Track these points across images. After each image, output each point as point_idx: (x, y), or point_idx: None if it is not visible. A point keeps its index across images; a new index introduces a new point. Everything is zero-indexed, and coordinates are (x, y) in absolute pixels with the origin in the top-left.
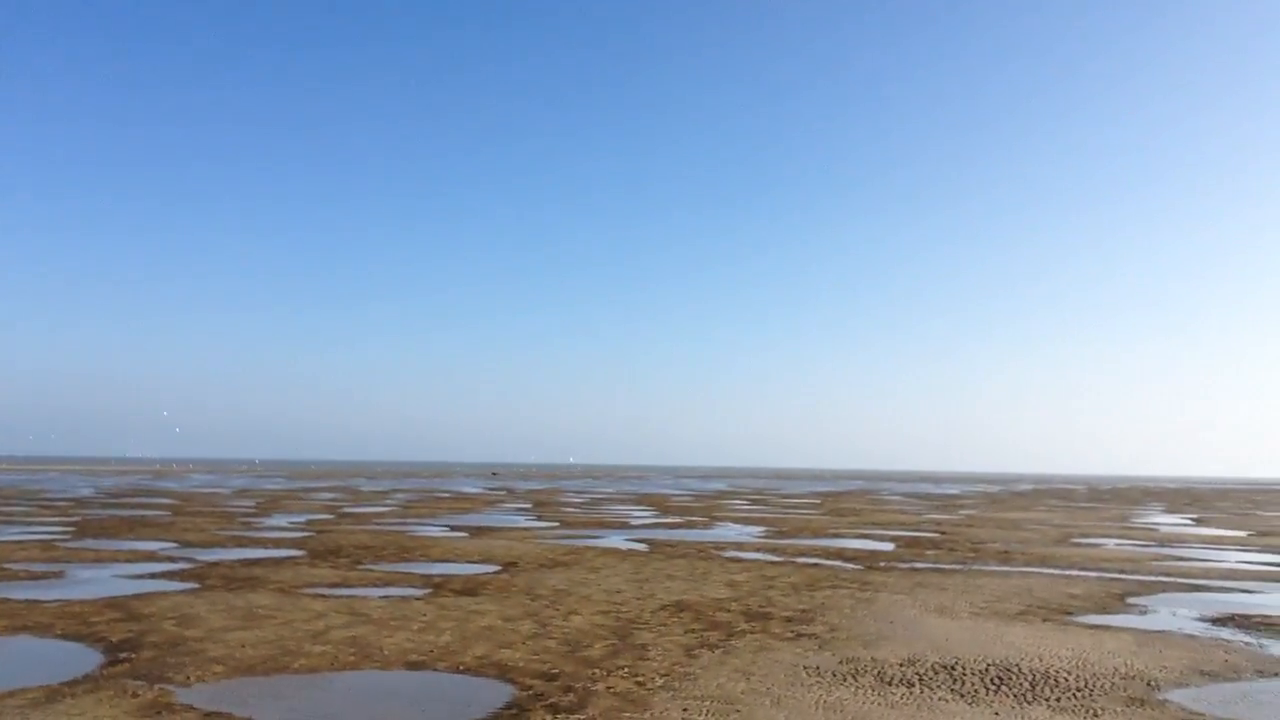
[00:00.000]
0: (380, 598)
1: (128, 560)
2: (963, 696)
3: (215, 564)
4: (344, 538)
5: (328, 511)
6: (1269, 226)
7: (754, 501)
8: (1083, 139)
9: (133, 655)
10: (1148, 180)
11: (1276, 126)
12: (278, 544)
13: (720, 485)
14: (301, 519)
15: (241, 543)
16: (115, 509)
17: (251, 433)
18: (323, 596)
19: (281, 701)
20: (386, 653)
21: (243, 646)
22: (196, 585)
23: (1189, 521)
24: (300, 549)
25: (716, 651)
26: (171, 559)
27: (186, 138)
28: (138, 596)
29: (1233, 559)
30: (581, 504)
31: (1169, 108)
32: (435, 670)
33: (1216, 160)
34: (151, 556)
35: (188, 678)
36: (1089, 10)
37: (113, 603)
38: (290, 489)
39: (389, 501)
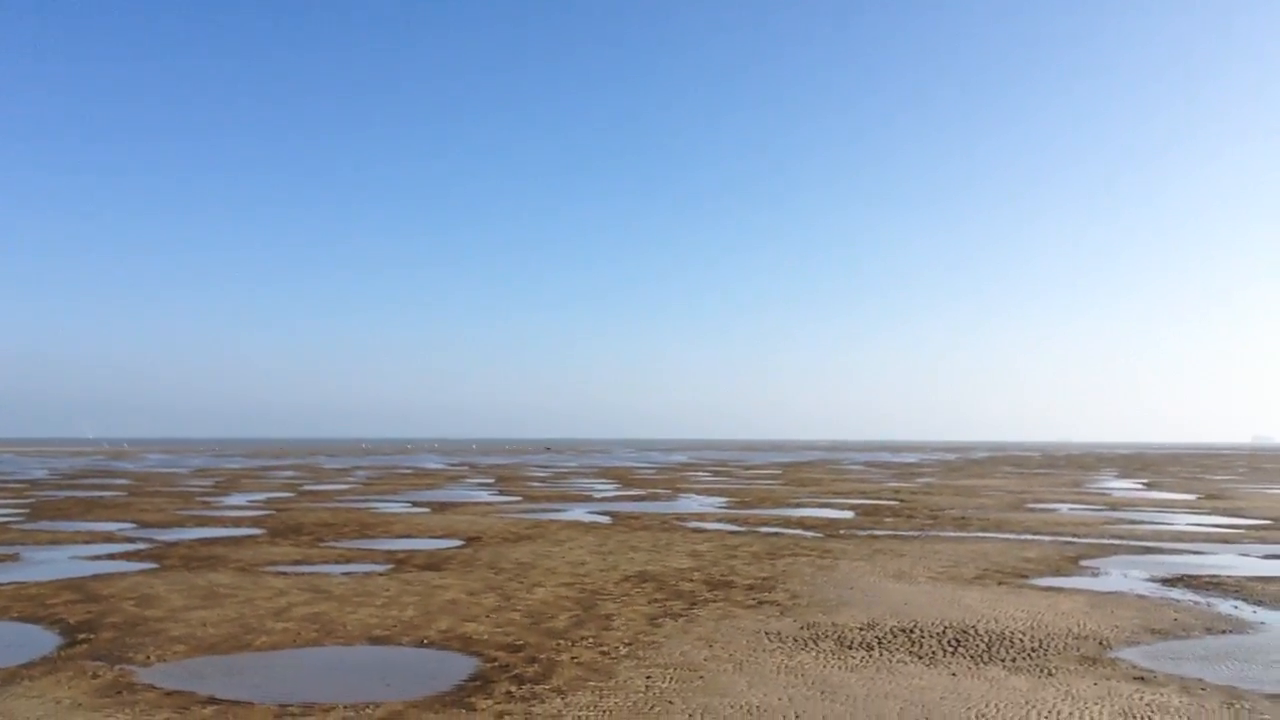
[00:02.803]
0: (342, 574)
1: (85, 541)
2: (921, 658)
3: (174, 544)
4: (304, 515)
5: (288, 489)
6: (1221, 197)
7: (716, 473)
8: (1036, 116)
9: (92, 636)
10: (1101, 152)
11: (1187, 108)
12: (237, 523)
13: (683, 458)
14: (261, 497)
15: (201, 522)
16: (71, 490)
17: (220, 413)
18: (284, 574)
19: (244, 679)
20: (349, 628)
21: (204, 625)
22: (156, 565)
23: (1140, 486)
24: (260, 527)
25: (679, 620)
26: (130, 539)
27: (137, 112)
28: (96, 577)
29: (1182, 522)
30: (545, 478)
31: (1112, 87)
32: (399, 645)
33: (1175, 134)
34: (109, 537)
35: (148, 657)
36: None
37: (70, 584)
38: (249, 467)
39: (350, 479)
